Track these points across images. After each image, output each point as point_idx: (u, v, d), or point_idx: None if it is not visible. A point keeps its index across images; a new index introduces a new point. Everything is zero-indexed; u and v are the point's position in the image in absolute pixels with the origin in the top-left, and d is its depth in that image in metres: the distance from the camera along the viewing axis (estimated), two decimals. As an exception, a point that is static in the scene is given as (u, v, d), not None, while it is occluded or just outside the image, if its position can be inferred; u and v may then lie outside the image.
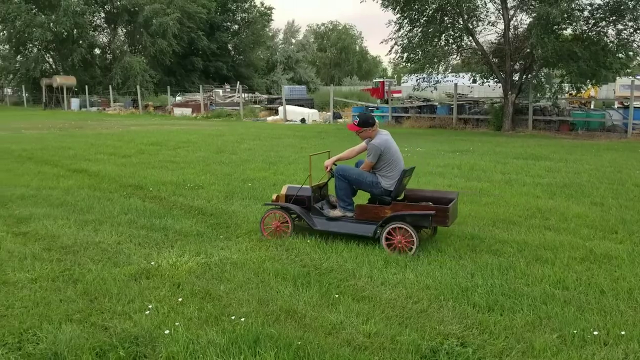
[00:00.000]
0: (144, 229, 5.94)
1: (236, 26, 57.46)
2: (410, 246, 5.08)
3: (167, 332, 3.44)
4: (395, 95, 33.07)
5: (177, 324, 3.55)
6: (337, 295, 4.08)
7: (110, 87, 39.10)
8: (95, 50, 50.21)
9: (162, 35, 46.21)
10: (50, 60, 47.44)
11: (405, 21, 19.73)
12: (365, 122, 5.64)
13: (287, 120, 25.03)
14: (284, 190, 5.86)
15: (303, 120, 24.44)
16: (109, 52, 50.58)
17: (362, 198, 5.94)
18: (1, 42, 46.62)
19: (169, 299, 4.02)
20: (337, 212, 5.62)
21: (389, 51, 20.20)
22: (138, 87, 36.51)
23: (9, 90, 51.91)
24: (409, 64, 20.83)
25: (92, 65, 48.61)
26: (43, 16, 43.29)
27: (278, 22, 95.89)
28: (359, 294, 4.13)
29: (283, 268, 4.66)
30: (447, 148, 13.51)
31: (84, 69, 45.84)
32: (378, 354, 3.23)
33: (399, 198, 5.73)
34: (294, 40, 72.16)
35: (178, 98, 38.23)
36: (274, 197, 5.91)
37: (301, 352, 3.20)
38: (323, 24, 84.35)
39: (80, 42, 45.51)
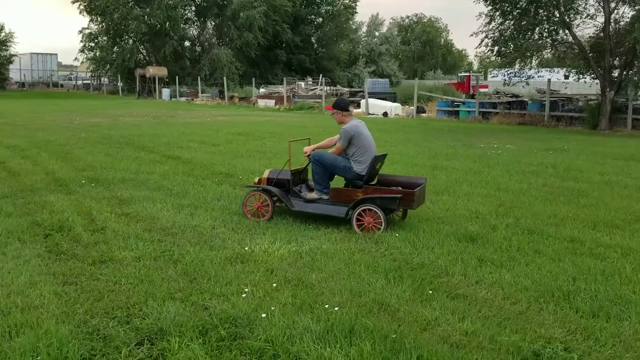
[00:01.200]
0: (237, 215, 6.11)
1: (320, 19, 57.82)
2: (379, 227, 5.47)
3: (263, 315, 3.52)
4: (482, 90, 32.09)
5: (272, 308, 3.63)
6: (430, 292, 4.01)
7: (199, 78, 40.53)
8: (185, 42, 52.30)
9: (249, 28, 47.35)
10: (144, 51, 49.82)
11: (497, 13, 19.05)
12: (339, 105, 6.12)
13: (369, 114, 24.95)
14: (266, 174, 6.24)
15: (385, 114, 24.27)
16: (197, 44, 52.47)
17: (339, 182, 6.21)
18: (100, 34, 49.48)
19: (264, 284, 4.11)
20: (313, 195, 6.01)
21: (479, 44, 19.63)
22: (225, 78, 37.60)
23: (106, 79, 55.14)
24: (499, 58, 20.12)
25: (182, 57, 50.64)
26: (139, 9, 45.53)
27: (362, 15, 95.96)
28: (453, 292, 4.04)
29: (374, 261, 4.64)
30: (540, 146, 12.93)
31: (175, 61, 47.86)
32: (476, 353, 3.14)
33: (372, 183, 6.03)
34: (377, 33, 71.56)
35: (261, 90, 39.07)
36: (255, 180, 6.31)
37: (397, 345, 3.17)
38: (407, 17, 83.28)
39: (172, 34, 47.56)
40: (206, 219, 5.93)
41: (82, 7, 47.46)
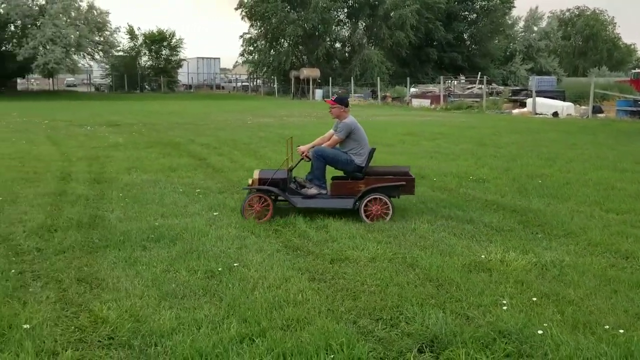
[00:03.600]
0: (451, 220, 5.94)
1: (474, 15, 55.81)
2: (387, 212, 5.81)
3: (540, 332, 3.29)
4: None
5: (545, 325, 3.38)
6: None
7: (352, 78, 41.16)
8: (336, 44, 53.46)
9: (400, 27, 47.12)
10: (298, 53, 51.75)
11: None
12: (341, 101, 6.36)
13: (536, 114, 23.45)
14: (256, 175, 6.14)
15: (555, 114, 22.64)
16: (348, 45, 53.34)
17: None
18: (259, 38, 52.33)
19: (519, 296, 3.87)
20: (313, 191, 6.08)
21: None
22: (378, 79, 37.76)
23: (260, 81, 58.22)
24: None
25: (333, 58, 51.82)
26: (295, 13, 47.41)
27: (519, 10, 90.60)
28: None
29: (633, 277, 4.18)
30: None
31: (327, 62, 49.13)
32: None
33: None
34: (535, 28, 67.30)
35: (413, 89, 38.64)
36: (249, 181, 6.14)
37: None
38: (568, 10, 77.37)
39: (325, 36, 48.88)
40: (422, 222, 5.82)
41: (244, 13, 50.61)
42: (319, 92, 42.79)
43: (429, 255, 4.74)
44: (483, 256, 4.71)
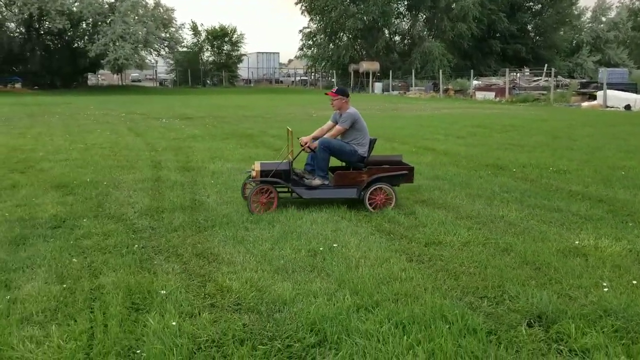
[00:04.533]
0: (538, 208, 6.03)
1: (539, 5, 54.22)
2: (390, 201, 5.98)
3: (646, 313, 3.40)
4: None
5: (650, 307, 3.49)
6: None
7: (413, 71, 40.93)
8: (395, 37, 53.19)
9: (462, 19, 46.42)
10: (357, 47, 51.82)
11: None
12: (342, 92, 6.42)
13: (607, 107, 22.73)
14: (257, 167, 6.12)
15: (628, 107, 21.88)
16: (408, 38, 52.95)
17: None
18: (318, 33, 52.73)
19: (618, 280, 3.97)
20: (317, 181, 6.14)
21: None
22: (440, 71, 37.40)
23: (319, 75, 58.60)
24: None
25: (392, 51, 51.59)
26: (354, 7, 47.48)
27: (586, 0, 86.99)
28: None
29: None
30: None
31: (386, 55, 48.99)
32: None
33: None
34: (604, 19, 64.62)
35: (475, 82, 38.03)
36: (253, 174, 6.13)
37: None
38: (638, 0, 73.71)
39: (384, 29, 48.71)
40: (509, 210, 5.95)
41: (303, 7, 51.13)
42: (378, 85, 42.83)
43: (522, 241, 4.88)
44: (577, 242, 4.80)
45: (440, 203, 6.32)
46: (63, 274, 4.12)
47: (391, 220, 5.64)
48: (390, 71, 42.59)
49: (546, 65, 34.91)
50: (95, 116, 19.18)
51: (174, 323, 3.27)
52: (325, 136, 6.37)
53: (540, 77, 34.67)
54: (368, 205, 6.02)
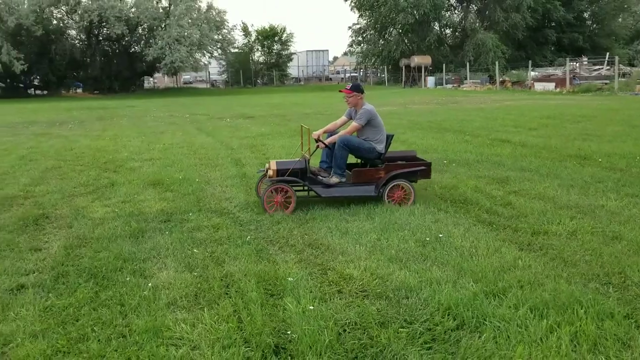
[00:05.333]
0: (637, 197, 5.92)
1: (597, -8, 52.40)
2: (408, 197, 5.91)
3: None
4: None
5: None
6: None
7: (467, 64, 40.30)
8: (446, 29, 52.46)
9: (516, 9, 45.36)
10: (407, 41, 51.41)
11: None
12: (357, 88, 6.28)
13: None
14: (273, 166, 6.03)
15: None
16: (459, 30, 52.13)
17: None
18: (368, 29, 52.60)
19: None
20: (334, 179, 6.07)
21: None
22: (497, 63, 36.69)
23: (369, 71, 58.46)
24: None
25: (443, 44, 50.91)
26: (404, 1, 47.08)
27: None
28: None
29: None
30: None
31: (437, 48, 48.41)
32: None
33: None
34: (666, 3, 61.87)
35: (533, 73, 37.12)
36: (270, 173, 6.00)
37: None
38: None
39: (436, 22, 48.12)
40: (607, 199, 5.87)
41: (353, 3, 51.10)
42: (431, 80, 42.38)
43: (630, 230, 4.83)
44: (690, 230, 4.72)
45: (534, 194, 6.29)
46: (190, 264, 4.36)
47: (490, 211, 5.66)
48: (444, 65, 42.03)
49: (607, 54, 33.70)
50: (161, 118, 19.81)
51: (311, 307, 3.43)
52: (341, 133, 6.26)
53: (601, 66, 33.51)
54: (387, 201, 5.95)
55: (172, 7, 45.53)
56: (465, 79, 39.89)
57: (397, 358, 2.90)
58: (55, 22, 45.01)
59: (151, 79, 58.24)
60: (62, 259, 4.54)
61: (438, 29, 49.94)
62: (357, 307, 3.49)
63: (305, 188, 6.12)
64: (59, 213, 6.09)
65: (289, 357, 2.92)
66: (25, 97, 41.56)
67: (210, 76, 61.92)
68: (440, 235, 4.85)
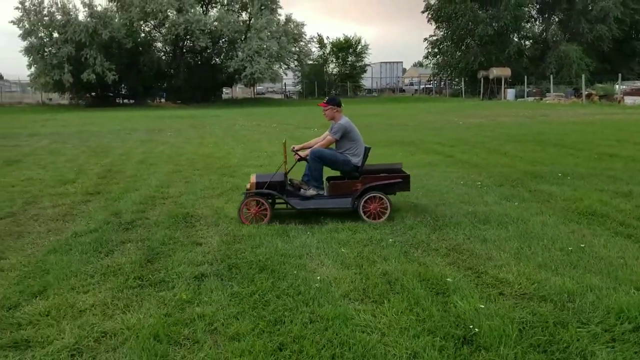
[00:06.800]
0: None
1: (691, 1, 49.67)
2: (385, 211, 5.90)
3: None
4: None
5: None
6: None
7: (551, 76, 39.25)
8: (525, 41, 51.29)
9: (602, 20, 43.79)
10: (486, 53, 50.62)
11: None
12: (333, 101, 6.29)
13: None
14: (252, 179, 6.16)
15: None
16: (540, 41, 50.84)
17: None
18: (445, 40, 52.25)
19: None
20: (311, 192, 6.11)
21: None
22: (583, 76, 35.52)
23: (445, 83, 57.90)
24: None
25: (522, 56, 49.77)
26: (484, 13, 46.51)
27: None
28: None
29: None
30: None
31: (516, 60, 47.39)
32: None
33: None
34: None
35: (622, 87, 35.65)
36: (247, 186, 6.16)
37: None
38: None
39: (515, 33, 47.16)
40: None
41: (430, 15, 50.98)
42: (510, 92, 41.55)
43: None
44: None
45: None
46: (343, 262, 4.66)
47: (623, 224, 5.65)
48: (525, 77, 41.10)
49: None
50: (249, 127, 20.56)
51: (482, 306, 3.63)
52: (315, 145, 6.32)
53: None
54: (363, 215, 5.94)
55: (252, 21, 47.07)
56: (548, 91, 38.85)
57: (584, 354, 3.05)
58: (143, 35, 47.58)
59: (229, 90, 60.30)
60: (225, 252, 4.96)
61: (517, 40, 48.90)
62: (525, 307, 3.65)
63: (278, 201, 6.27)
64: (200, 212, 6.60)
65: (480, 348, 3.13)
66: (114, 106, 44.07)
67: (285, 87, 63.29)
68: (582, 245, 4.92)
